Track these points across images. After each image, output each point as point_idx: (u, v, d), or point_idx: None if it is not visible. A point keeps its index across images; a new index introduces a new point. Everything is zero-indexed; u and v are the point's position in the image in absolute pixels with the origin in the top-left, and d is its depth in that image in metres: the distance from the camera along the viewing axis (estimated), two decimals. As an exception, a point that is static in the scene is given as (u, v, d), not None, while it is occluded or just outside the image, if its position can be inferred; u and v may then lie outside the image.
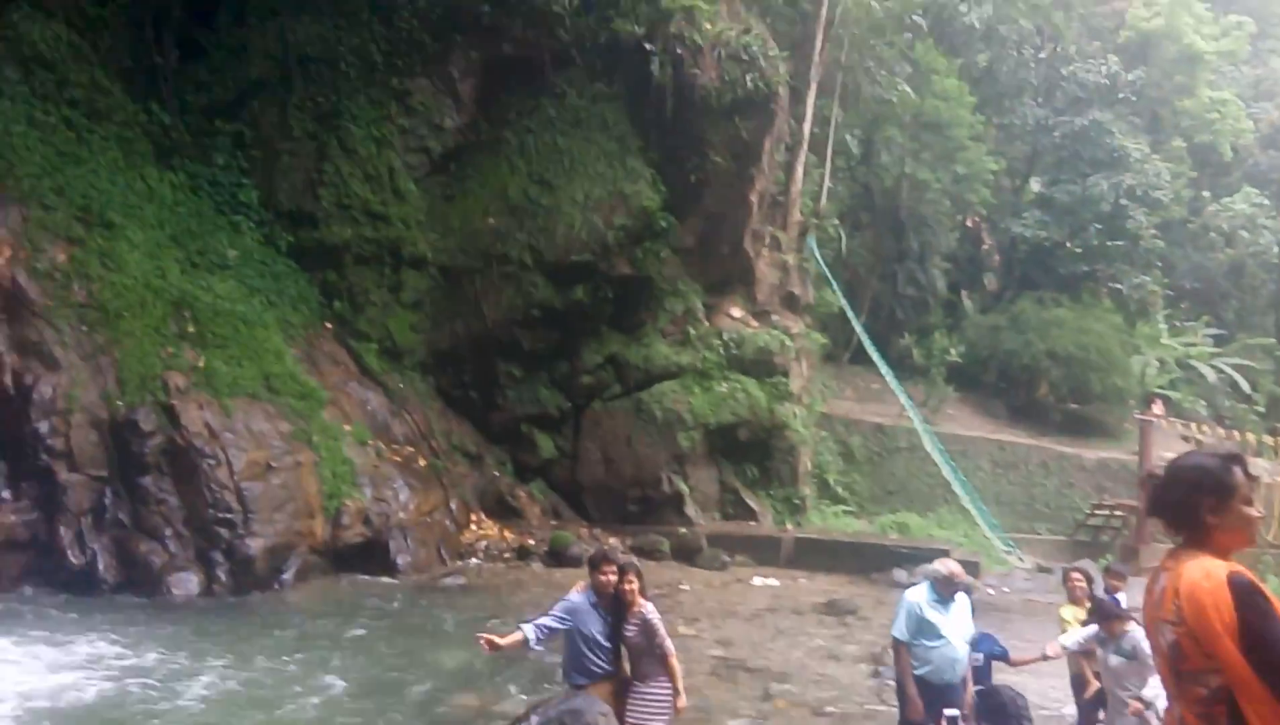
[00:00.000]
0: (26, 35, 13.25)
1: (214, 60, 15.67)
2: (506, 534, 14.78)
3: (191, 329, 12.86)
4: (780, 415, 16.54)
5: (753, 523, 16.05)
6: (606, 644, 5.82)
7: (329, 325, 15.12)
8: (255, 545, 11.67)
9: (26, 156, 12.37)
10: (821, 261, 20.29)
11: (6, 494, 10.93)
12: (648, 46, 16.41)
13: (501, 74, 16.79)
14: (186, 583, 11.24)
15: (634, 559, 6.71)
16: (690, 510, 15.69)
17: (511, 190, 16.23)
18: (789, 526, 16.11)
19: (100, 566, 11.02)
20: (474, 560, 14.01)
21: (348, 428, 13.62)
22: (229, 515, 11.62)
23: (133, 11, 14.95)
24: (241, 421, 12.32)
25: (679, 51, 16.43)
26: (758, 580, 13.90)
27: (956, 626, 6.08)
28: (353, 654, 9.48)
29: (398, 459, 14.07)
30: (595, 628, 5.81)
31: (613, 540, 14.72)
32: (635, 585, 5.84)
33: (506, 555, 14.29)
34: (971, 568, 12.92)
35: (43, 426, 11.14)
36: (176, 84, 15.35)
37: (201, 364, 12.52)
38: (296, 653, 9.32)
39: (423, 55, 16.49)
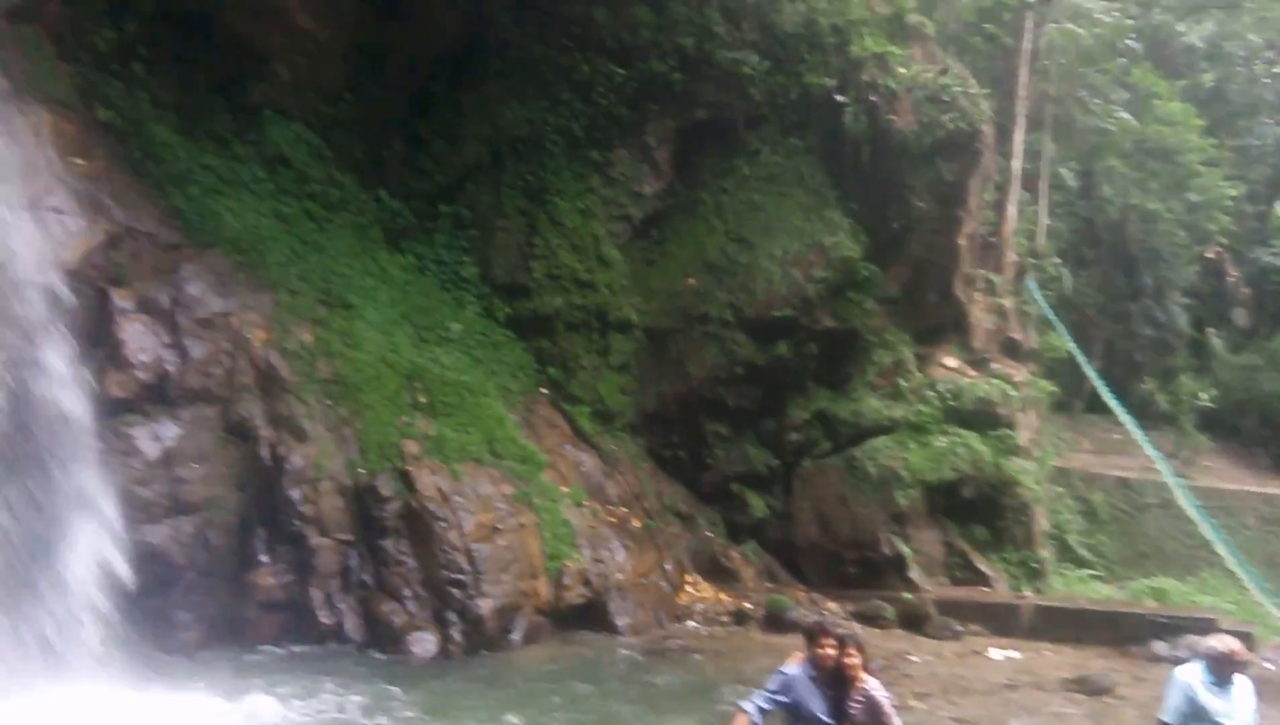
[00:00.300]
0: (271, 138, 14.70)
1: (433, 149, 16.80)
2: (722, 597, 14.62)
3: (423, 399, 13.63)
4: (1008, 470, 15.67)
5: (985, 588, 15.15)
6: (829, 722, 5.50)
7: (544, 390, 15.66)
8: (485, 606, 12.07)
9: (274, 247, 13.61)
10: (1044, 303, 19.24)
11: (265, 558, 11.81)
12: (839, 98, 16.33)
13: (696, 138, 17.14)
14: (425, 642, 11.73)
15: (854, 630, 6.28)
16: (914, 574, 15.00)
17: (710, 250, 16.42)
18: (1027, 593, 15.11)
19: (348, 625, 11.70)
20: (691, 623, 13.95)
21: (565, 490, 13.96)
22: (460, 576, 12.10)
23: (362, 110, 16.32)
24: (469, 485, 12.88)
25: (872, 99, 16.26)
26: (995, 652, 13.03)
27: (1238, 712, 5.39)
28: (586, 714, 9.55)
29: (613, 520, 14.27)
30: (815, 705, 5.51)
31: (832, 605, 14.28)
32: (858, 659, 5.53)
33: (723, 619, 14.12)
34: (1244, 639, 11.61)
35: (295, 494, 12.01)
36: (401, 173, 16.56)
37: (433, 432, 13.23)
38: (534, 711, 9.49)
39: (620, 127, 17.07)
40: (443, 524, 12.31)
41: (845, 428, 15.94)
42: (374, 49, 16.44)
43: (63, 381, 10.69)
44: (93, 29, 13.63)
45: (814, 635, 5.73)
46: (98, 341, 11.67)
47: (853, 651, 5.56)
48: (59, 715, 8.83)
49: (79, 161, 12.66)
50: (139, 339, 11.88)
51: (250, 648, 11.31)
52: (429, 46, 16.97)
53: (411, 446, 12.84)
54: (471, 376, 14.28)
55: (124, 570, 10.36)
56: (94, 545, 10.38)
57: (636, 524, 14.58)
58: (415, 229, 16.12)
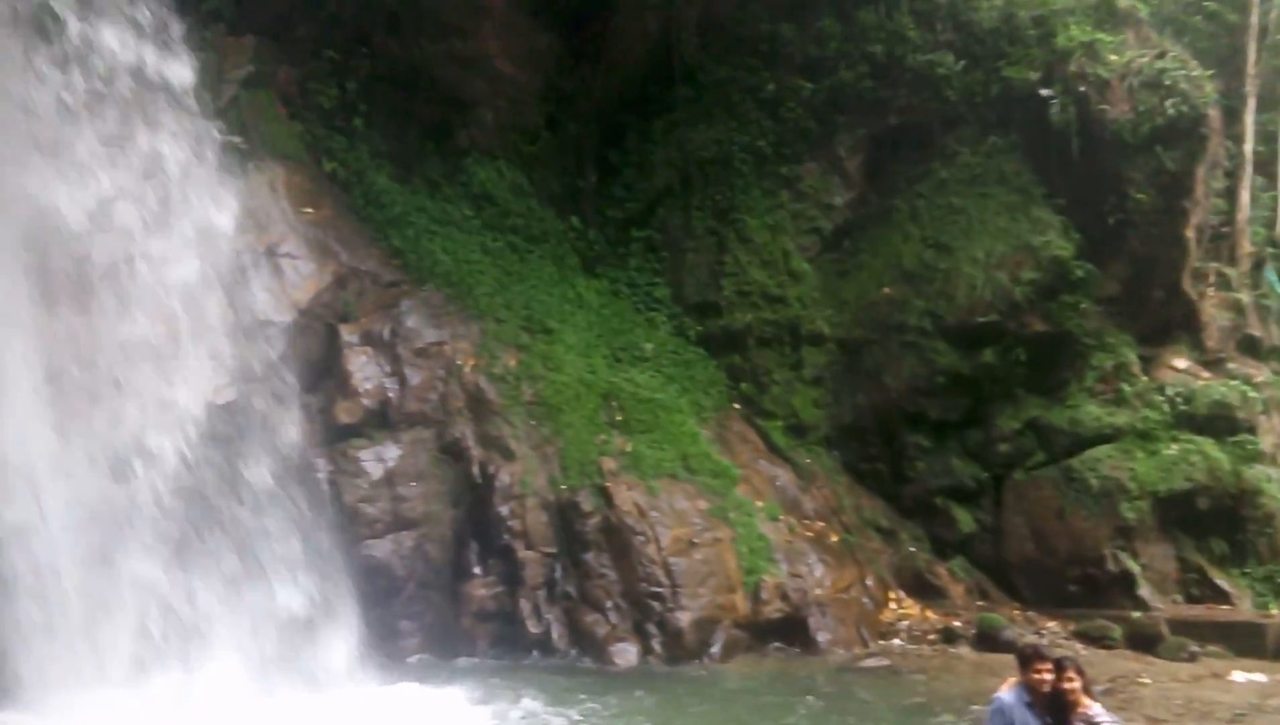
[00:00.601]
0: (477, 178, 15.73)
1: (626, 177, 17.39)
2: (928, 614, 14.10)
3: (619, 418, 14.08)
4: (1250, 479, 14.26)
5: (1225, 607, 13.80)
6: (1049, 749, 5.22)
7: (737, 406, 15.76)
8: (684, 618, 12.28)
9: (482, 279, 14.53)
10: (1287, 296, 17.42)
11: (478, 570, 12.57)
12: (1044, 92, 15.53)
13: (888, 145, 16.79)
14: (626, 652, 12.08)
15: (1071, 653, 5.94)
16: (1143, 592, 13.87)
17: (906, 258, 16.00)
18: (1275, 611, 13.64)
19: (554, 635, 12.24)
20: (896, 641, 13.54)
21: (760, 504, 13.96)
22: (659, 589, 12.39)
23: (558, 145, 17.15)
24: (665, 500, 13.18)
25: (1081, 89, 15.35)
26: (1239, 675, 11.82)
27: None
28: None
29: (810, 535, 14.11)
30: (1034, 732, 5.25)
31: (1050, 624, 13.48)
32: (1077, 683, 5.23)
33: (930, 637, 13.62)
34: None
35: (504, 510, 12.72)
36: (596, 202, 17.27)
37: (629, 448, 13.64)
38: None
39: (809, 140, 16.99)
40: (640, 538, 12.64)
41: (1061, 437, 15.01)
42: (569, 87, 17.27)
43: (296, 409, 11.90)
44: (319, 90, 15.12)
45: (1028, 659, 5.50)
46: (328, 373, 12.90)
47: (1072, 675, 5.28)
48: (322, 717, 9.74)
49: (309, 210, 14.06)
50: (364, 369, 13.01)
51: (465, 655, 12.06)
52: (620, 79, 17.60)
53: (609, 463, 13.28)
54: (665, 394, 14.61)
55: (354, 583, 11.39)
56: (326, 560, 11.46)
57: (834, 539, 14.35)
58: (610, 255, 16.73)
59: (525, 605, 12.35)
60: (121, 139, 12.62)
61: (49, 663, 9.50)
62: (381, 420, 12.85)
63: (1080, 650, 12.33)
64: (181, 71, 13.30)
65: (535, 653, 12.12)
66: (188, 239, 12.68)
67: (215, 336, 12.39)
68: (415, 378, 13.21)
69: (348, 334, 13.19)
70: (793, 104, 16.95)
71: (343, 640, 11.13)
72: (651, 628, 12.26)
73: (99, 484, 10.45)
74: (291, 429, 12.18)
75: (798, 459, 15.33)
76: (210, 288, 12.57)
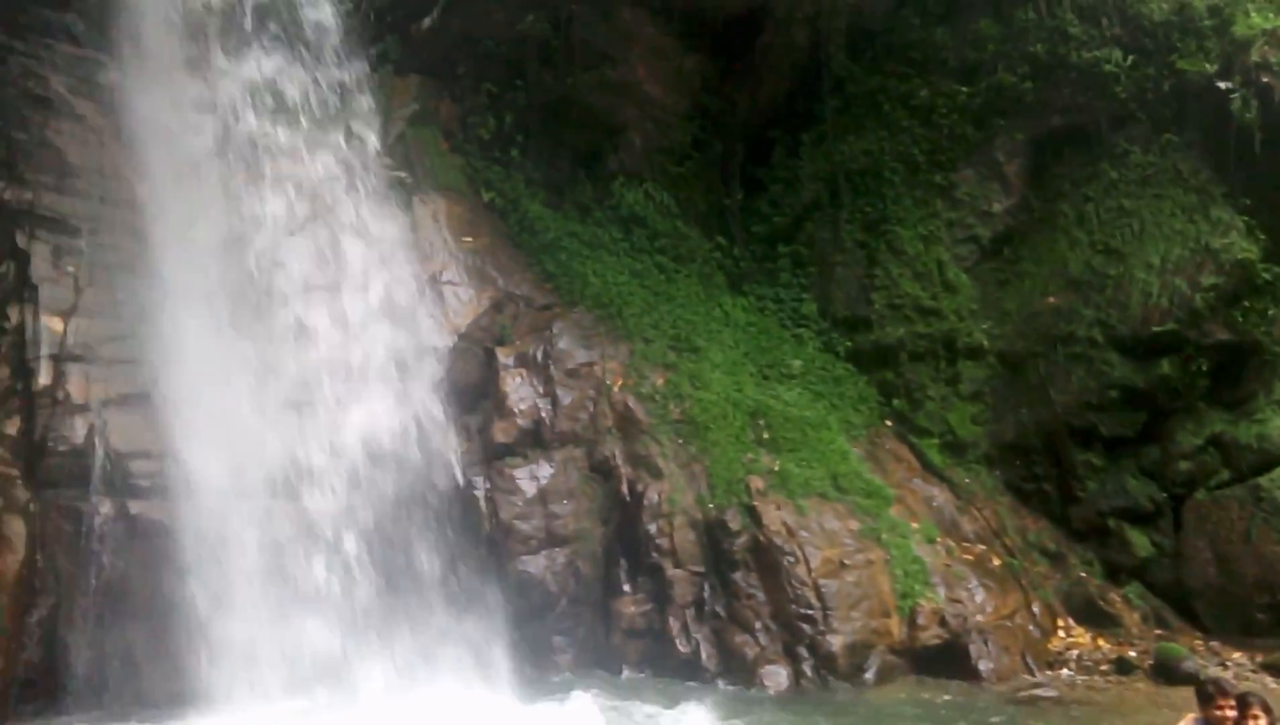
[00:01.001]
0: (624, 200, 16.03)
1: (772, 193, 17.32)
2: (1100, 643, 13.30)
3: (766, 436, 14.01)
4: None
5: None
6: (1233, 792, 4.88)
7: (889, 423, 15.38)
8: (836, 642, 12.06)
9: (630, 300, 14.80)
10: None
11: (628, 588, 12.77)
12: (1222, 85, 14.48)
13: (1050, 148, 16.02)
14: (776, 675, 11.96)
15: (1257, 688, 5.52)
16: (1342, 622, 12.65)
17: (1073, 265, 15.21)
18: None
19: (703, 655, 12.25)
20: (1065, 671, 12.83)
21: (915, 525, 13.57)
22: (809, 611, 12.22)
23: (705, 164, 17.30)
24: (814, 520, 13.00)
25: (1264, 80, 14.22)
26: None
27: None
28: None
29: (969, 558, 13.59)
30: (1217, 773, 4.92)
31: (1237, 655, 12.46)
32: (1263, 721, 4.86)
33: (1103, 667, 12.83)
34: None
35: (652, 528, 12.87)
36: (742, 220, 17.28)
37: (777, 467, 13.55)
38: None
39: (965, 146, 16.44)
40: (790, 558, 12.52)
41: (1249, 454, 13.86)
42: (716, 107, 17.39)
43: (454, 430, 12.51)
44: (478, 123, 15.86)
45: (1209, 695, 5.19)
46: (485, 394, 13.47)
47: (1257, 713, 4.95)
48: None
49: (468, 239, 14.77)
50: (518, 391, 13.51)
51: (615, 672, 12.28)
52: (767, 95, 17.58)
53: (757, 482, 13.23)
54: (813, 412, 14.42)
55: (509, 598, 11.85)
56: (485, 575, 11.98)
57: (996, 562, 13.76)
58: (756, 272, 16.69)
59: (674, 624, 12.44)
60: (298, 175, 13.68)
61: (229, 673, 10.35)
62: (535, 439, 13.30)
63: (1268, 685, 11.37)
64: (354, 112, 14.35)
65: (684, 672, 12.18)
66: (359, 269, 13.61)
67: (383, 361, 13.22)
68: (567, 398, 13.60)
69: (503, 357, 13.72)
70: (947, 110, 16.46)
71: (499, 652, 11.59)
72: (802, 650, 12.10)
73: (275, 503, 11.30)
74: (452, 449, 12.83)
75: (955, 478, 14.80)
76: (379, 315, 13.42)
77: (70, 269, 10.81)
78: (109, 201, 11.50)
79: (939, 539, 13.63)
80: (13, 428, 10.13)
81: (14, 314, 10.37)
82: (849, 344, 15.93)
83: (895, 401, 15.55)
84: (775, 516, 12.79)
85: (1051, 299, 15.29)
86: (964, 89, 16.33)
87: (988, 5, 16.38)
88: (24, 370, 10.25)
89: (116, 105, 12.09)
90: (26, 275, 10.54)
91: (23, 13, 12.14)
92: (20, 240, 10.62)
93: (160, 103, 12.48)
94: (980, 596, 13.12)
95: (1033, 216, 16.08)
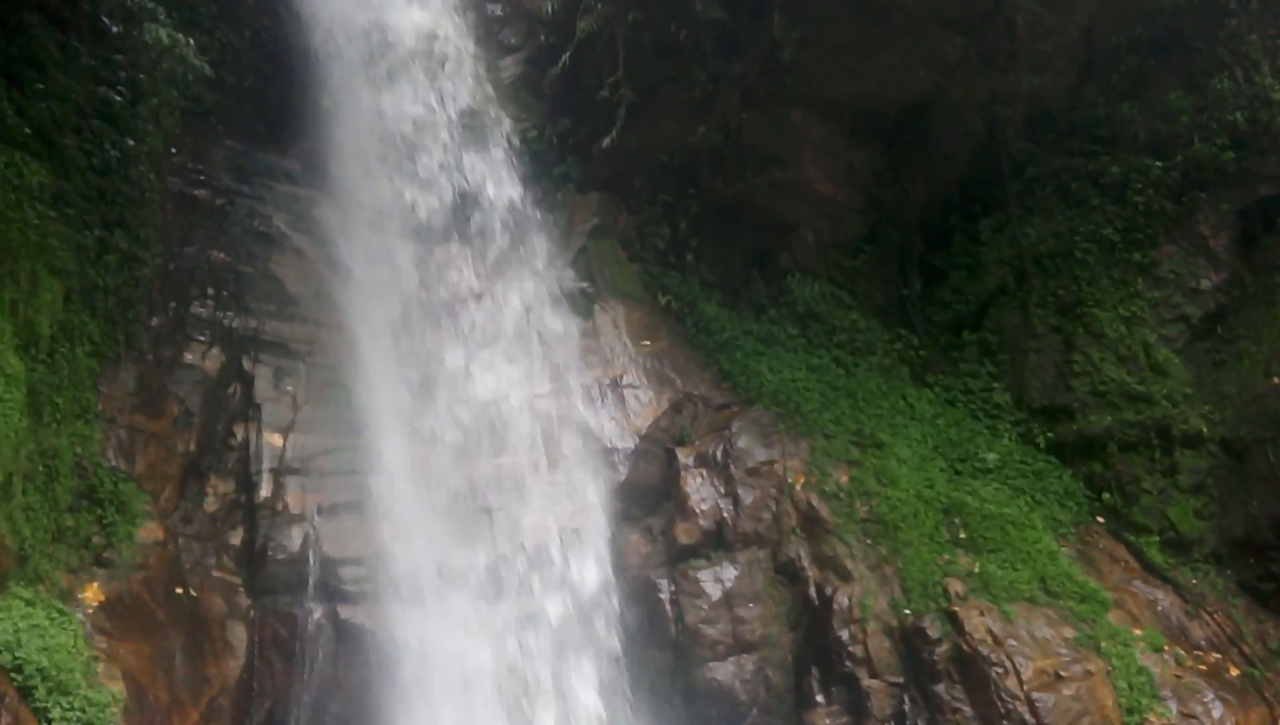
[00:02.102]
0: (800, 297, 16.00)
1: (953, 280, 16.84)
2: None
3: (963, 535, 13.32)
4: None
5: None
6: None
7: (1100, 519, 14.26)
8: (1053, 762, 11.09)
9: (808, 396, 14.60)
10: None
11: (820, 698, 12.23)
12: None
13: (1260, 218, 14.89)
14: (987, 795, 11.09)
15: None
16: None
17: (1299, 341, 13.91)
18: None
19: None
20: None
21: (1138, 632, 12.41)
22: (1023, 728, 11.32)
23: (881, 256, 17.07)
24: (1023, 627, 12.14)
25: None
26: None
27: None
28: None
29: (1203, 668, 12.26)
30: None
31: None
32: None
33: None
34: None
35: (844, 634, 12.36)
36: (923, 309, 16.85)
37: (976, 569, 12.81)
38: None
39: (1164, 222, 15.52)
40: (998, 669, 11.70)
41: None
42: (889, 198, 17.22)
43: (638, 531, 12.60)
44: (653, 232, 16.37)
45: None
46: (666, 495, 13.51)
47: None
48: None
49: (647, 342, 15.11)
50: (699, 490, 13.48)
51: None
52: (942, 184, 17.27)
53: (956, 585, 12.54)
54: (1014, 508, 13.61)
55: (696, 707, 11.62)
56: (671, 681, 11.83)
57: (1234, 672, 12.33)
58: (940, 361, 16.15)
59: (873, 737, 11.82)
60: (489, 291, 14.53)
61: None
62: (718, 540, 13.16)
63: None
64: (540, 230, 15.22)
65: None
66: (547, 376, 14.18)
67: (570, 464, 13.58)
68: (748, 497, 13.44)
69: (683, 457, 13.77)
70: (1141, 186, 15.62)
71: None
72: (1018, 769, 11.20)
73: (472, 604, 11.67)
74: (636, 551, 12.90)
75: (1181, 579, 13.49)
76: (566, 420, 13.87)
77: (289, 388, 11.79)
78: (324, 325, 12.54)
79: (1166, 647, 12.40)
80: (236, 538, 10.99)
81: (240, 432, 11.37)
82: (1050, 435, 15.02)
83: (1106, 496, 14.45)
84: (979, 623, 12.02)
85: (1276, 379, 13.95)
86: (1158, 163, 15.49)
87: (1178, 77, 15.63)
88: (248, 484, 11.16)
89: (328, 237, 13.28)
90: (251, 396, 11.57)
91: (249, 160, 13.65)
92: (246, 364, 11.71)
93: (365, 233, 13.64)
94: (1218, 711, 11.78)
95: (1246, 292, 14.89)
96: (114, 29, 11.29)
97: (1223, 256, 15.21)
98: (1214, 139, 15.09)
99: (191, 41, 11.17)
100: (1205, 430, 14.28)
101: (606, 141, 15.88)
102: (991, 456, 14.58)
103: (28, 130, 9.97)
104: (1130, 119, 15.88)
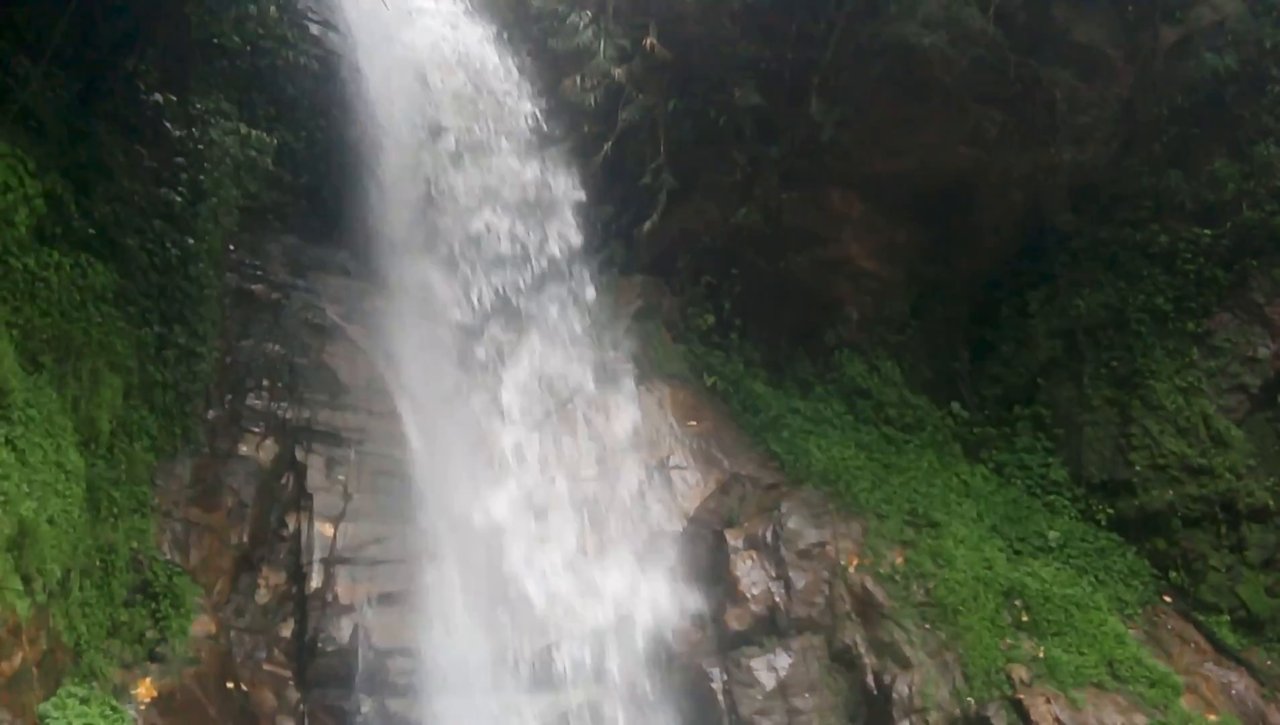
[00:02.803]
0: (847, 374, 15.92)
1: (1003, 353, 16.66)
2: None
3: (1025, 618, 12.92)
4: None
5: None
6: None
7: (1167, 599, 13.78)
8: None
9: (859, 475, 14.38)
10: None
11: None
12: None
13: (1318, 283, 14.62)
14: None
15: None
16: None
17: (1367, 410, 13.49)
18: None
19: None
20: None
21: (1212, 718, 11.87)
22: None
23: (927, 331, 16.94)
24: (1092, 715, 11.70)
25: None
26: None
27: None
28: None
29: (1289, 758, 11.68)
30: None
31: None
32: None
33: None
34: None
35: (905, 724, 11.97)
36: (972, 382, 16.65)
37: (1041, 654, 12.39)
38: None
39: (1216, 290, 15.31)
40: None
41: None
42: (934, 273, 17.17)
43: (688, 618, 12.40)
44: (697, 312, 16.46)
45: None
46: (716, 579, 13.30)
47: None
48: None
49: (692, 423, 15.05)
50: (750, 574, 13.25)
51: None
52: (987, 257, 17.21)
53: (1020, 671, 12.12)
54: (1077, 589, 13.19)
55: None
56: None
57: (1321, 762, 11.74)
58: (993, 437, 15.88)
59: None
60: (535, 377, 14.65)
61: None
62: (770, 626, 12.88)
63: None
64: (585, 314, 15.37)
65: None
66: (593, 460, 14.16)
67: (618, 549, 13.46)
68: (800, 581, 13.18)
69: (733, 539, 13.58)
70: (1190, 254, 15.46)
71: None
72: None
73: (523, 697, 11.51)
74: (686, 638, 12.67)
75: (1255, 661, 12.93)
76: (613, 503, 13.79)
77: (341, 477, 11.89)
78: (375, 413, 12.69)
79: (1246, 735, 11.85)
80: (287, 630, 10.98)
81: (292, 522, 11.46)
82: (1110, 511, 14.64)
83: (1172, 574, 13.98)
84: (1046, 711, 11.59)
85: (1345, 449, 13.54)
86: (1206, 231, 15.35)
87: (1221, 145, 15.56)
88: (299, 575, 11.19)
89: (380, 327, 13.53)
90: (303, 486, 11.68)
91: (304, 254, 14.04)
92: (299, 454, 11.85)
93: (415, 321, 13.89)
94: (1306, 805, 11.16)
95: (1308, 358, 14.54)
96: (176, 133, 11.78)
97: (1278, 323, 14.90)
98: (1262, 205, 14.94)
99: (259, 133, 11.59)
100: (1271, 503, 13.85)
101: (649, 225, 16.11)
102: (1052, 534, 14.21)
103: (92, 232, 10.35)
104: (1176, 188, 15.77)
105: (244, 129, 11.33)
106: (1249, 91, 15.45)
